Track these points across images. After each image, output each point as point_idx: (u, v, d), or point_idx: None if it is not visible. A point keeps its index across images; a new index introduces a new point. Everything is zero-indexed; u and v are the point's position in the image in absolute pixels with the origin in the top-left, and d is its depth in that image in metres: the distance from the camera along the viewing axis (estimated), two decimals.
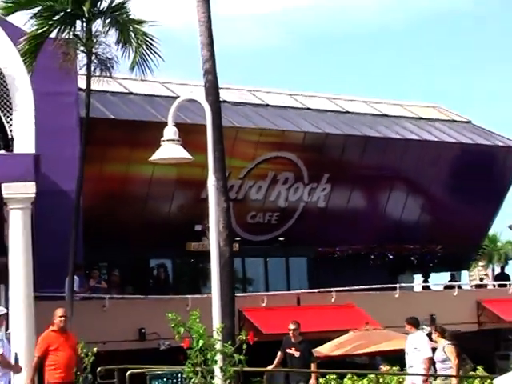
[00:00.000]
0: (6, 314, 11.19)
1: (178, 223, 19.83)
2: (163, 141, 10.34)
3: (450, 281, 23.85)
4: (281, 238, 21.92)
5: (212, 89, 13.97)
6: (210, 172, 10.17)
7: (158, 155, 10.33)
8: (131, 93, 21.06)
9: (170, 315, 8.64)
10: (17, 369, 9.96)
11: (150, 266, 21.76)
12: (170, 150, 10.25)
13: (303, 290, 20.50)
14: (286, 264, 22.45)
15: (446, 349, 11.58)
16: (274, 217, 21.85)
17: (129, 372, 11.24)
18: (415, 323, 12.10)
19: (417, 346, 11.87)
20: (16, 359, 9.87)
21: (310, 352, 12.49)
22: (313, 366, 12.45)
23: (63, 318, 10.79)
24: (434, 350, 12.07)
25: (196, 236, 20.18)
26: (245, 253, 19.90)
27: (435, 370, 12.09)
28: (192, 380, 8.79)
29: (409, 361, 12.05)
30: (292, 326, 12.40)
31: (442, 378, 12.01)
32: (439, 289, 23.99)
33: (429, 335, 12.86)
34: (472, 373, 14.12)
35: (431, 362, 12.00)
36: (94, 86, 16.30)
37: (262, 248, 21.64)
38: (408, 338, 12.36)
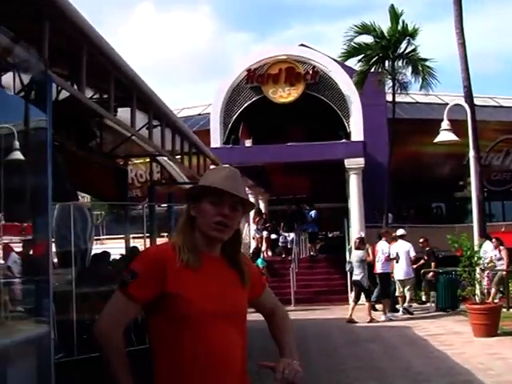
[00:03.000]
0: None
1: (448, 180, 26.32)
2: (441, 130, 14.72)
3: None
4: None
5: (469, 97, 17.98)
6: (470, 148, 14.69)
7: (440, 138, 14.75)
8: (417, 102, 27.44)
9: (448, 236, 12.51)
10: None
11: (431, 207, 29.77)
12: (446, 135, 14.64)
13: None
14: None
15: None
16: (508, 175, 28.38)
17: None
18: None
19: None
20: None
21: None
22: None
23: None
24: None
25: (460, 188, 26.78)
26: (490, 198, 25.53)
27: None
28: (463, 275, 12.41)
29: None
30: None
31: None
32: None
33: None
34: None
35: None
36: (397, 99, 22.32)
37: (500, 195, 27.88)
38: None
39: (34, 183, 4.58)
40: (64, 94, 9.14)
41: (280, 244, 22.53)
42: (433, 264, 16.99)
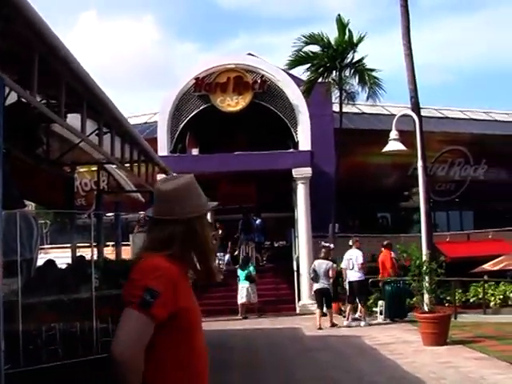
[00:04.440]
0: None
1: (394, 190, 26.79)
2: (390, 139, 14.21)
3: None
4: (456, 199, 29.17)
5: (416, 107, 18.25)
6: (418, 158, 14.17)
7: (388, 148, 14.42)
8: (364, 113, 27.88)
9: (398, 245, 13.46)
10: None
11: (377, 216, 30.15)
12: (395, 144, 14.24)
13: (471, 231, 26.67)
14: (460, 215, 29.77)
15: None
16: (452, 186, 29.13)
17: None
18: None
19: None
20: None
21: None
22: None
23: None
24: None
25: (405, 198, 27.52)
26: (435, 208, 24.93)
27: None
28: (412, 284, 12.47)
29: None
30: None
31: None
32: None
33: None
34: None
35: None
36: (344, 110, 22.58)
37: (445, 205, 28.35)
38: None
39: None
40: (10, 100, 8.88)
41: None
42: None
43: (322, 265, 15.78)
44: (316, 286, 15.91)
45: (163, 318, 2.38)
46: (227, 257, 22.41)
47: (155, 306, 2.34)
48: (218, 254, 21.20)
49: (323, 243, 17.31)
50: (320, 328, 15.10)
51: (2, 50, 3.99)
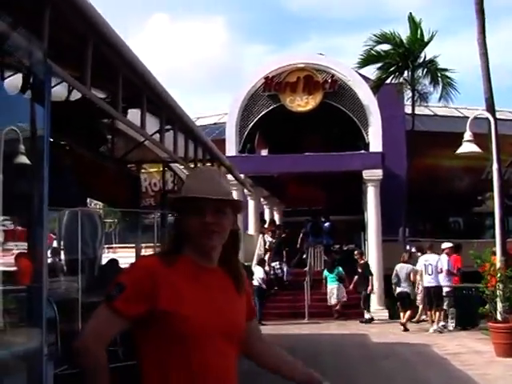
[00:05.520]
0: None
1: (466, 194, 26.06)
2: (464, 141, 13.92)
3: None
4: None
5: (491, 107, 16.58)
6: (494, 160, 13.76)
7: (462, 149, 14.10)
8: (436, 115, 27.19)
9: (471, 252, 12.57)
10: None
11: (449, 221, 29.21)
12: (469, 146, 14.00)
13: None
14: None
15: None
16: None
17: None
18: None
19: None
20: None
21: None
22: None
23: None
24: None
25: (478, 203, 26.62)
26: (509, 213, 22.61)
27: None
28: (485, 292, 12.23)
29: None
30: None
31: None
32: None
33: None
34: None
35: None
36: (415, 112, 22.17)
37: None
38: None
39: (30, 187, 4.21)
40: (74, 97, 8.90)
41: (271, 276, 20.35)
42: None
43: (403, 269, 16.18)
44: (398, 290, 16.24)
45: (132, 315, 2.23)
46: (286, 268, 20.84)
47: (117, 300, 2.22)
48: (273, 264, 20.54)
49: (408, 247, 17.78)
50: (406, 329, 15.58)
51: (52, 39, 3.85)
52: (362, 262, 18.71)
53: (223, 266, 2.42)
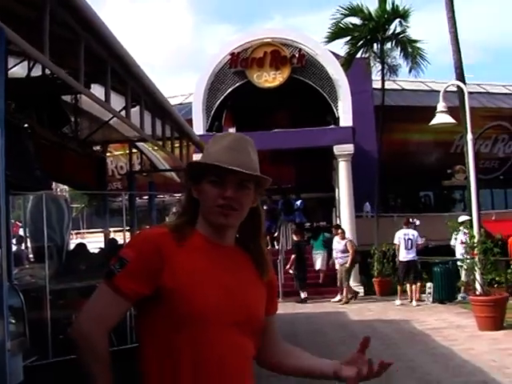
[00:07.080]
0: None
1: (436, 168, 25.79)
2: (437, 112, 13.50)
3: None
4: (501, 177, 28.14)
5: (461, 80, 16.49)
6: (468, 131, 13.40)
7: (435, 121, 13.68)
8: (404, 89, 27.11)
9: (449, 223, 12.83)
10: None
11: (419, 195, 29.30)
12: (442, 117, 13.58)
13: None
14: (505, 193, 28.94)
15: None
16: (496, 163, 28.15)
17: None
18: None
19: None
20: None
21: None
22: None
23: None
24: None
25: (447, 176, 26.55)
26: (479, 186, 24.86)
27: None
28: (463, 265, 12.61)
29: None
30: None
31: None
32: None
33: None
34: None
35: None
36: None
37: (489, 183, 27.12)
38: None
39: None
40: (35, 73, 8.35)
41: None
42: None
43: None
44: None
45: (136, 294, 1.90)
46: None
47: (119, 276, 1.90)
48: None
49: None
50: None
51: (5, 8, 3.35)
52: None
53: (243, 247, 2.09)
